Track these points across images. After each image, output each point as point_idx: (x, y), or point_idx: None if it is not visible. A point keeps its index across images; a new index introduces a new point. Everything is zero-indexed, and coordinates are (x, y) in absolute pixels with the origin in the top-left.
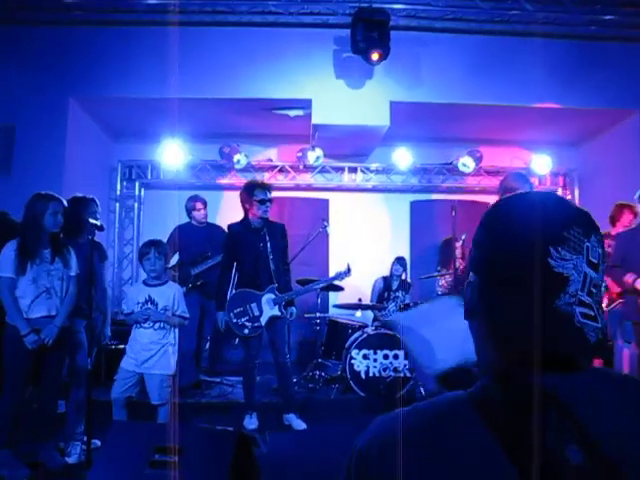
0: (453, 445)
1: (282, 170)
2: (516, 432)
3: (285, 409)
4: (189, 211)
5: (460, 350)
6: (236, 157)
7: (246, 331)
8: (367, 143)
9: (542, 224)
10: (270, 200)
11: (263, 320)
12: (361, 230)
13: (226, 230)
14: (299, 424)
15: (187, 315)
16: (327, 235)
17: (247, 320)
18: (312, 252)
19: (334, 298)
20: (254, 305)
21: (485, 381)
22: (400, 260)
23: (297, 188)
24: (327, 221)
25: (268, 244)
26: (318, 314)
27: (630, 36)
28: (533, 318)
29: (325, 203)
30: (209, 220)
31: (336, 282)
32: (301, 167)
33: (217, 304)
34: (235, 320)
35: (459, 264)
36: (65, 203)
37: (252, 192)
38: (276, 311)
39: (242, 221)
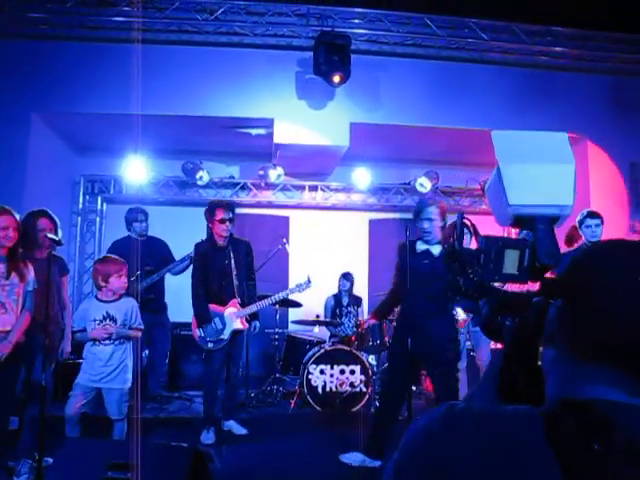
0: (514, 462)
1: (244, 187)
2: (583, 466)
3: (226, 415)
4: (129, 223)
5: (552, 196)
6: (199, 174)
7: (210, 345)
8: (327, 162)
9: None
10: (231, 219)
11: (226, 334)
12: (321, 247)
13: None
14: (239, 429)
15: (142, 327)
16: (287, 252)
17: (211, 334)
18: (272, 269)
19: (293, 314)
20: (217, 319)
21: (556, 408)
22: (346, 276)
23: (258, 205)
24: (287, 238)
25: (232, 261)
26: (277, 330)
27: (578, 67)
28: (628, 318)
29: (286, 220)
30: (172, 236)
31: (295, 297)
32: (262, 185)
33: (199, 319)
34: (199, 334)
35: None
36: (17, 218)
37: (213, 212)
38: (238, 324)
39: (208, 239)
